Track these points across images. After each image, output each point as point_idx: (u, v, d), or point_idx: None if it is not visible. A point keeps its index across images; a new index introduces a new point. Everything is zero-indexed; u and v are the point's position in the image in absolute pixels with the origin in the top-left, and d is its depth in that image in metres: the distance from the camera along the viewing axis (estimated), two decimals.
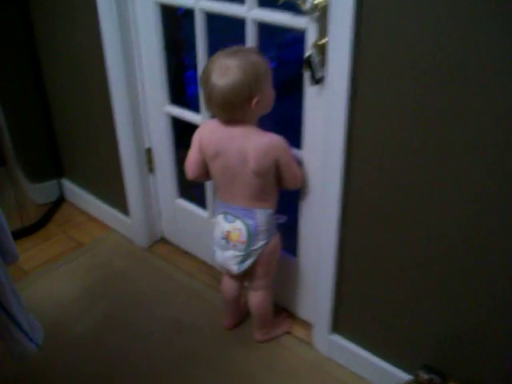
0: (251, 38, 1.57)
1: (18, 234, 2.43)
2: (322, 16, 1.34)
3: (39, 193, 2.56)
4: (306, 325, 1.89)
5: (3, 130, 2.23)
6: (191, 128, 1.73)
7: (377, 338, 1.65)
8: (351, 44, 1.29)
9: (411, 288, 1.47)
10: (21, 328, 1.24)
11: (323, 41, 1.36)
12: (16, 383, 1.72)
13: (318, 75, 1.40)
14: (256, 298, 1.74)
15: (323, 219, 1.58)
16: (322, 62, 1.38)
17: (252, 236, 1.57)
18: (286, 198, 1.68)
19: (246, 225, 1.56)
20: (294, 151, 1.59)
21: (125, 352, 1.83)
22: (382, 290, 1.55)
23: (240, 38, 1.57)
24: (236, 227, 1.57)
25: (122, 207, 2.34)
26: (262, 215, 1.58)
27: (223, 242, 1.62)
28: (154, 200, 2.26)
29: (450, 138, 1.23)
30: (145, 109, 2.05)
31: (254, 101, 1.42)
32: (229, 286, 1.79)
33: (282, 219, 1.67)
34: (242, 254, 1.60)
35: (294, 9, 1.38)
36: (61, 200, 2.68)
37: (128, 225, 2.36)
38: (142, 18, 1.86)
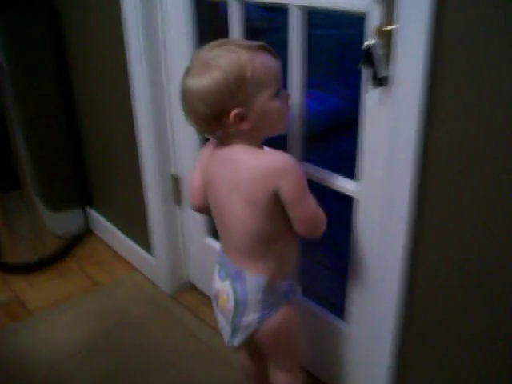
0: (296, 30, 1.21)
1: (33, 267, 2.14)
2: None
3: (60, 222, 2.26)
4: None
5: (19, 150, 1.96)
6: None
7: None
8: (429, 31, 0.90)
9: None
10: None
11: (390, 27, 0.99)
12: None
13: (381, 73, 1.01)
14: (277, 379, 1.27)
15: (381, 278, 1.16)
16: (387, 57, 1.00)
17: (239, 306, 1.12)
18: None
19: (234, 290, 1.12)
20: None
21: None
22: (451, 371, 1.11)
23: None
24: (225, 289, 1.14)
25: (146, 244, 2.00)
26: (253, 282, 1.10)
27: (214, 302, 1.21)
28: (180, 237, 1.90)
29: None
30: (172, 131, 1.73)
31: (233, 114, 1.01)
32: (245, 359, 1.36)
33: (293, 292, 1.18)
34: (228, 325, 1.18)
35: None
36: (86, 232, 2.38)
37: (152, 266, 2.01)
38: (173, 36, 1.56)
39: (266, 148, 1.11)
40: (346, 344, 1.42)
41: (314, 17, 1.23)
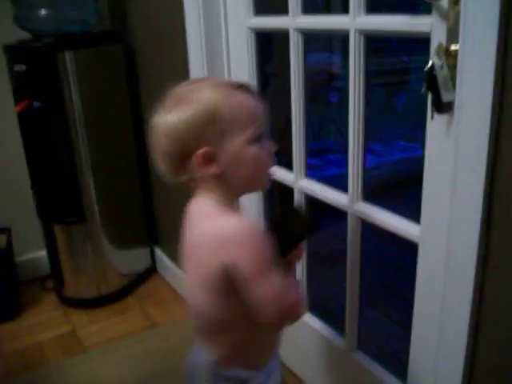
0: (357, 53, 1.12)
1: (93, 303, 2.13)
2: (452, 7, 0.86)
3: (125, 261, 2.24)
4: None
5: (87, 183, 1.98)
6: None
7: None
8: (497, 49, 0.78)
9: None
10: None
11: (455, 47, 0.87)
12: None
13: (445, 98, 0.89)
14: None
15: (445, 339, 1.00)
16: (453, 79, 0.88)
17: (189, 377, 1.03)
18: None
19: (189, 359, 1.03)
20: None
21: None
22: None
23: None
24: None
25: None
26: (202, 358, 0.97)
27: None
28: None
29: None
30: None
31: (200, 152, 0.87)
32: None
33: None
34: None
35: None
36: (151, 270, 2.35)
37: None
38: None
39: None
40: None
41: None
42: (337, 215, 1.37)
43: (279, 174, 1.48)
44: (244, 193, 0.97)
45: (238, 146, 0.88)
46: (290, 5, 1.28)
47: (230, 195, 0.93)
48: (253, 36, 1.47)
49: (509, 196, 0.84)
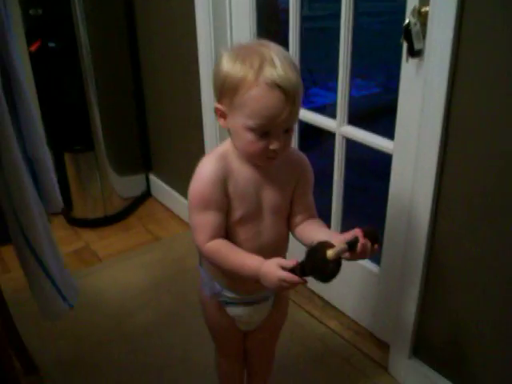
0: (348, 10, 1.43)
1: (99, 222, 2.43)
2: None
3: (125, 186, 2.54)
4: (384, 346, 1.66)
5: (95, 115, 2.23)
6: None
7: (462, 369, 1.39)
8: (456, 12, 1.11)
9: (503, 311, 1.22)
10: (54, 283, 1.15)
11: (425, 8, 1.20)
12: (71, 367, 1.64)
13: (417, 47, 1.22)
14: None
15: (414, 217, 1.37)
16: (423, 33, 1.21)
17: None
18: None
19: None
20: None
21: (181, 349, 1.70)
22: (471, 313, 1.31)
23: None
24: None
25: None
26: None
27: None
28: None
29: None
30: None
31: (216, 105, 1.00)
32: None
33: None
34: None
35: None
36: (146, 195, 2.66)
37: None
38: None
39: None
40: (378, 286, 1.64)
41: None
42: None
43: None
44: (248, 159, 1.03)
45: (238, 124, 0.96)
46: None
47: (239, 152, 1.02)
48: None
49: (460, 117, 1.19)
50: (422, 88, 1.24)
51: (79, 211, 2.43)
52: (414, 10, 1.21)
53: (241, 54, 0.95)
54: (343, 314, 1.81)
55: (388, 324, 1.61)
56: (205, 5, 1.81)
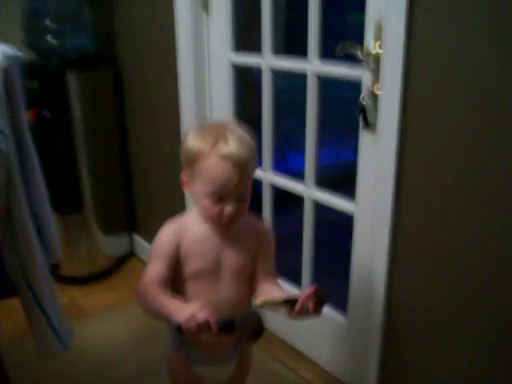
0: (313, 91, 1.65)
1: (85, 280, 2.55)
2: (375, 65, 1.40)
3: (111, 245, 2.68)
4: None
5: (84, 179, 2.41)
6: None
7: None
8: (401, 90, 1.33)
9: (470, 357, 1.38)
10: (53, 328, 1.28)
11: (377, 91, 1.42)
12: None
13: (371, 120, 1.44)
14: None
15: (373, 273, 1.55)
16: (375, 109, 1.43)
17: None
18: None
19: None
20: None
21: None
22: (434, 367, 1.47)
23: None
24: None
25: None
26: None
27: None
28: None
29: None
30: None
31: (182, 172, 1.18)
32: None
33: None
34: None
35: (350, 60, 1.46)
36: (130, 254, 2.80)
37: None
38: (216, 82, 2.02)
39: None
40: (346, 338, 1.78)
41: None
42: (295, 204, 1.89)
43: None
44: (207, 221, 1.18)
45: (197, 190, 1.14)
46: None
47: (200, 215, 1.19)
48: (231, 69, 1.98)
49: (409, 181, 1.39)
50: (376, 158, 1.45)
51: (66, 269, 2.55)
52: (366, 89, 1.43)
53: (201, 132, 1.14)
54: (316, 364, 1.94)
55: (357, 374, 1.74)
56: (189, 83, 2.04)
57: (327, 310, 1.84)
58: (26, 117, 1.25)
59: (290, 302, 1.05)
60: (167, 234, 1.19)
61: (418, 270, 1.44)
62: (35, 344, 1.34)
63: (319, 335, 1.88)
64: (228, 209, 1.11)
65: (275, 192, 1.99)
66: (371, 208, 1.51)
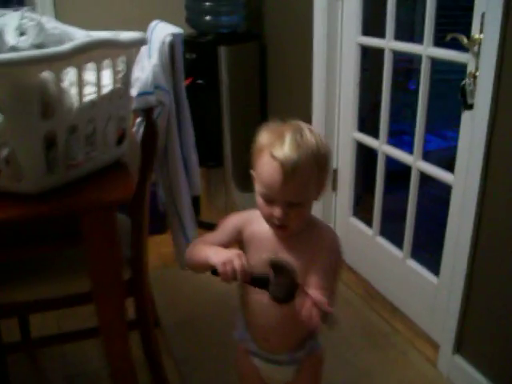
0: (425, 73, 1.86)
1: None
2: (478, 51, 1.57)
3: (244, 200, 3.05)
4: (435, 345, 1.98)
5: (226, 138, 2.81)
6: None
7: (500, 368, 1.68)
8: (494, 77, 1.50)
9: None
10: (186, 238, 1.68)
11: (477, 73, 1.59)
12: (186, 324, 2.13)
13: (469, 101, 1.61)
14: None
15: (460, 239, 1.73)
16: (474, 91, 1.60)
17: None
18: None
19: None
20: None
21: None
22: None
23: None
24: None
25: None
26: None
27: None
28: (332, 216, 2.60)
29: None
30: (337, 134, 2.45)
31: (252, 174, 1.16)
32: None
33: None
34: None
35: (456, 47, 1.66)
36: None
37: None
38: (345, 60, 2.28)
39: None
40: (436, 294, 1.98)
41: None
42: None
43: (367, 140, 2.26)
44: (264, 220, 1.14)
45: (256, 188, 1.13)
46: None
47: None
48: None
49: (496, 156, 1.55)
50: (472, 133, 1.63)
51: (205, 216, 2.99)
52: (469, 73, 1.61)
53: (270, 129, 1.13)
54: (407, 316, 2.16)
55: (439, 325, 1.94)
56: (322, 61, 2.34)
57: (423, 270, 2.05)
58: (184, 81, 1.61)
59: (261, 281, 1.03)
60: (235, 217, 1.22)
61: (501, 239, 1.59)
62: (175, 255, 1.75)
63: (413, 293, 2.09)
64: (277, 212, 1.07)
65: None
66: (464, 178, 1.69)
